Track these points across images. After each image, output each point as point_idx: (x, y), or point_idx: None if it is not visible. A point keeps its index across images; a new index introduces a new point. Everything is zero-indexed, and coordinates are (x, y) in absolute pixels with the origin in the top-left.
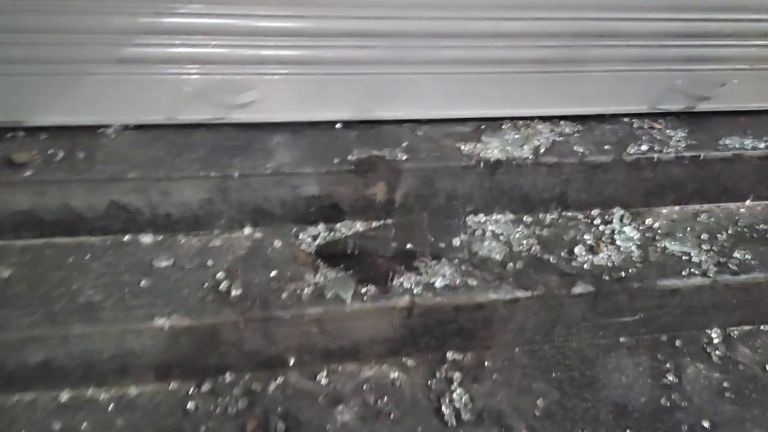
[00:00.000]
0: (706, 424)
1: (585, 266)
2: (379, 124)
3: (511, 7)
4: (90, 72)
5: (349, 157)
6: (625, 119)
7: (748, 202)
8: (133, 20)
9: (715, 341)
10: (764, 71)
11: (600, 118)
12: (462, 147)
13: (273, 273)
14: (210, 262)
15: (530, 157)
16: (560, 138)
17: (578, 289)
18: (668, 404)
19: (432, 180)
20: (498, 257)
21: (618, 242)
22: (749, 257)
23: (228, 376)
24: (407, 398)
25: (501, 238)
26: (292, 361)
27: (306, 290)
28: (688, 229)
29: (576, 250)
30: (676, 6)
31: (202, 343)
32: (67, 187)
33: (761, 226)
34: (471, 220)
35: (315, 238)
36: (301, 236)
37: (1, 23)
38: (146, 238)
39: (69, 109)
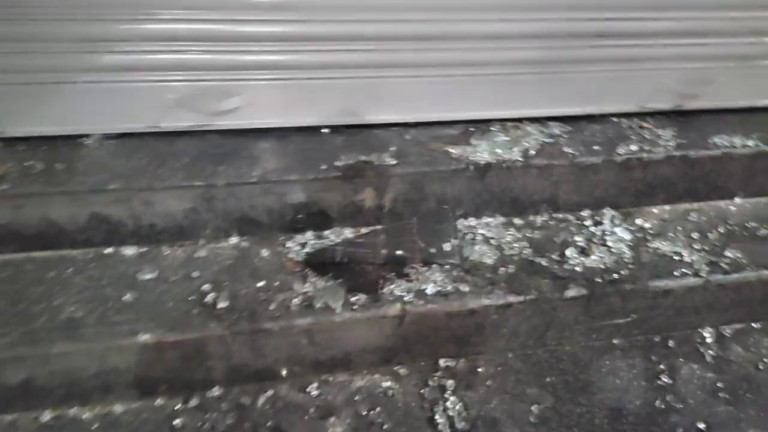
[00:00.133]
0: (701, 426)
1: (577, 269)
2: (367, 128)
3: (498, 8)
4: (69, 80)
5: (337, 163)
6: (614, 119)
7: (737, 200)
8: (113, 27)
9: (708, 341)
10: (751, 69)
11: (589, 118)
12: (451, 150)
13: (260, 283)
14: (195, 274)
15: (520, 159)
16: (549, 139)
17: (571, 292)
18: (663, 406)
19: (421, 184)
20: (489, 261)
21: (609, 243)
22: (740, 256)
23: (216, 391)
24: (400, 408)
25: (492, 241)
26: (282, 373)
27: (294, 300)
28: (679, 228)
29: (567, 252)
30: (663, 5)
31: (188, 358)
32: (46, 200)
33: (751, 223)
34: (461, 224)
35: (303, 246)
36: (288, 244)
37: None
38: (129, 250)
39: (47, 119)
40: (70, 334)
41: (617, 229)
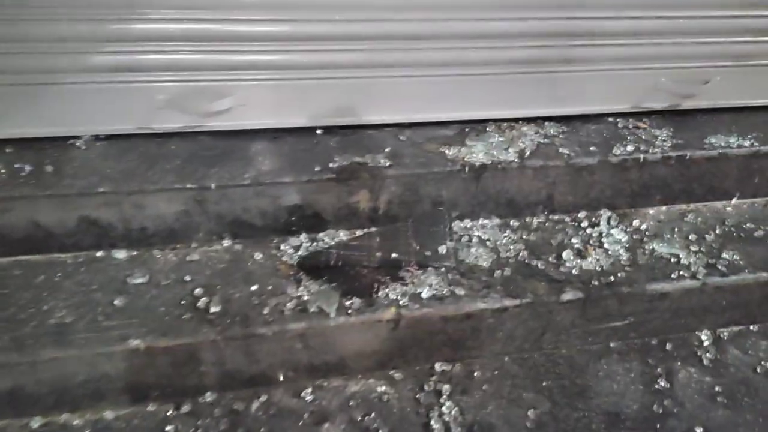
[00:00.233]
0: (699, 431)
1: (573, 271)
2: (361, 129)
3: (493, 7)
4: (58, 81)
5: (331, 165)
6: (610, 119)
7: (734, 201)
8: (103, 27)
9: (706, 344)
10: (748, 67)
11: (585, 118)
12: (446, 151)
13: (254, 287)
14: (187, 278)
15: (516, 160)
16: (545, 140)
17: (567, 295)
18: (661, 411)
19: (416, 186)
20: (485, 264)
21: (606, 245)
22: (738, 257)
23: (208, 396)
24: (395, 413)
25: (488, 244)
26: (276, 379)
27: (288, 305)
28: (676, 229)
29: (564, 254)
30: (659, 4)
31: (180, 364)
32: (34, 203)
33: (748, 225)
34: (457, 226)
35: (297, 249)
36: (282, 247)
37: None
38: (120, 254)
39: (36, 121)
40: (60, 339)
41: (614, 231)
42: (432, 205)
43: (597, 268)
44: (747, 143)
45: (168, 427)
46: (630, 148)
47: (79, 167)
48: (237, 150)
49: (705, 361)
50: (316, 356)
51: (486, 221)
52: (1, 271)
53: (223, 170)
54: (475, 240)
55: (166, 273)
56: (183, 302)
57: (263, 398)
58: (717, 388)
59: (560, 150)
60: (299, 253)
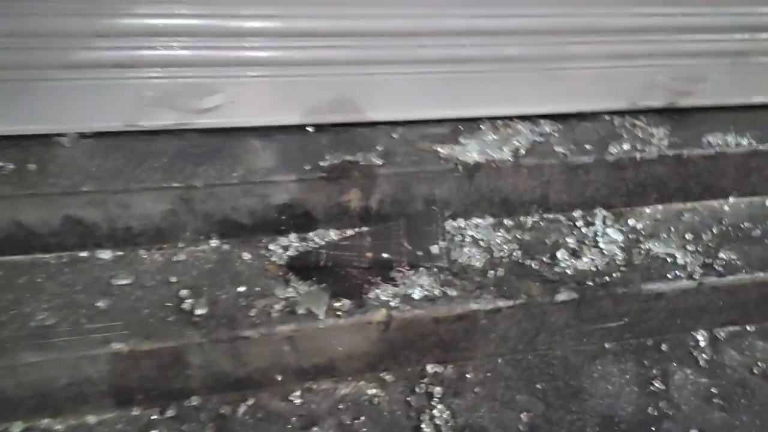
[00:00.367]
0: None
1: (568, 271)
2: (353, 126)
3: (488, 3)
4: (42, 77)
5: (321, 163)
6: (606, 117)
7: (731, 200)
8: (88, 21)
9: (702, 344)
10: (746, 65)
11: (580, 116)
12: (439, 149)
13: (241, 288)
14: (173, 279)
15: (510, 159)
16: (540, 138)
17: (561, 296)
18: (656, 413)
19: (409, 185)
20: (478, 264)
21: (601, 245)
22: (734, 257)
23: (194, 400)
24: (386, 416)
25: (481, 243)
26: (263, 382)
27: (276, 306)
28: (672, 229)
29: (558, 254)
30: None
31: (164, 367)
32: (16, 202)
33: (745, 224)
34: (450, 225)
35: (286, 249)
36: (271, 247)
37: None
38: (105, 254)
39: (20, 118)
40: (40, 343)
41: (609, 230)
42: (424, 204)
43: (592, 267)
44: (745, 141)
45: None
46: (626, 146)
47: (63, 165)
48: (226, 148)
49: (701, 362)
50: (305, 359)
51: (479, 220)
52: None
53: (211, 168)
54: (468, 239)
55: (151, 274)
56: (168, 304)
57: (250, 402)
58: (713, 390)
59: (555, 148)
60: (288, 253)
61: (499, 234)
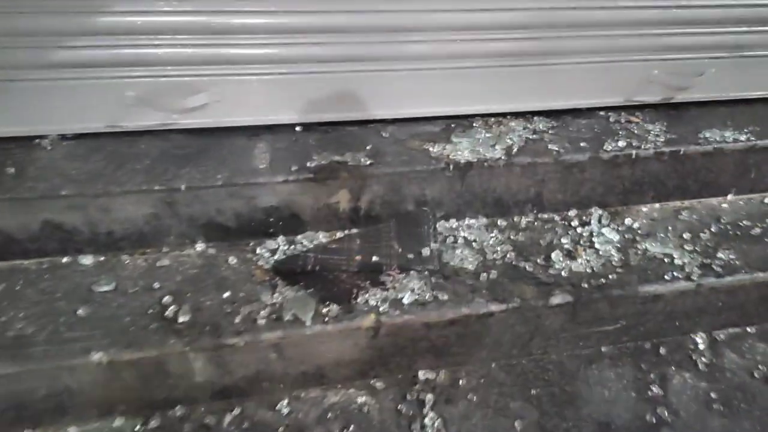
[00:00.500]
0: None
1: (563, 273)
2: (342, 125)
3: None
4: (20, 78)
5: (309, 164)
6: (601, 113)
7: (730, 197)
8: (67, 20)
9: (701, 347)
10: (743, 59)
11: (575, 112)
12: (431, 148)
13: (226, 294)
14: (156, 285)
15: (503, 157)
16: (534, 135)
17: (556, 299)
18: (654, 420)
19: (399, 185)
20: (471, 267)
21: (597, 245)
22: (733, 257)
23: (178, 410)
24: (376, 425)
25: (474, 245)
26: (249, 391)
27: (262, 312)
28: (670, 228)
29: (553, 255)
30: None
31: (147, 377)
32: None
33: (744, 222)
34: (442, 226)
35: (274, 252)
36: (258, 251)
37: None
38: (86, 260)
39: None
40: (18, 353)
41: (605, 230)
42: (415, 205)
43: (587, 269)
44: (743, 137)
45: None
46: (622, 143)
47: (42, 168)
48: (211, 149)
49: (700, 366)
50: (292, 366)
51: (472, 221)
52: None
53: (195, 170)
54: (460, 241)
55: (134, 280)
56: (151, 311)
57: (236, 411)
58: (713, 395)
59: (549, 146)
60: (276, 256)
61: (492, 235)
